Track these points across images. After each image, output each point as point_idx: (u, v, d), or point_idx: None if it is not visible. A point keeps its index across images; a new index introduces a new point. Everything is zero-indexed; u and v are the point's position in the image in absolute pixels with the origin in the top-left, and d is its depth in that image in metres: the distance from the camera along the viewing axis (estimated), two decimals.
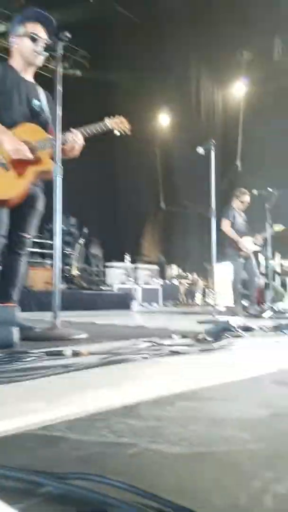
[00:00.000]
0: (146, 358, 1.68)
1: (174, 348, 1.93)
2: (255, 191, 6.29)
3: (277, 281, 7.95)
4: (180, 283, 13.07)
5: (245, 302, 6.53)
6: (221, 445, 0.75)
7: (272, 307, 5.79)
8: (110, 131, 3.77)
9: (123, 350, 1.82)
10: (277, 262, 8.38)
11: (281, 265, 8.65)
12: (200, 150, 4.72)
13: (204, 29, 11.35)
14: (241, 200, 6.48)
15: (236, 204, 6.52)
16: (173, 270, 14.52)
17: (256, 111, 13.45)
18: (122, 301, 7.58)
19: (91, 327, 3.31)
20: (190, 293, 13.62)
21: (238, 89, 13.75)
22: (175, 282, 12.71)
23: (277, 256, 8.36)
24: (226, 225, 6.32)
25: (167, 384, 1.22)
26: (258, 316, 5.40)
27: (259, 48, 12.61)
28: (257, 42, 12.38)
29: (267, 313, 5.39)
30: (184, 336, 2.47)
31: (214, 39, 11.60)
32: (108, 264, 9.73)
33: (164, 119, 14.71)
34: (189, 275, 14.47)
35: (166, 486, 0.60)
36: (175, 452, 0.72)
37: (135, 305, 8.11)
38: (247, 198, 6.46)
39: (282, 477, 0.62)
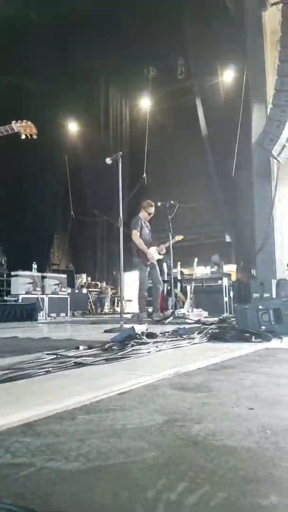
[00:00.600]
0: (48, 372, 1.64)
1: (79, 360, 1.91)
2: (159, 203, 6.56)
3: (178, 288, 8.34)
4: (89, 291, 13.03)
5: (149, 309, 6.74)
6: (118, 457, 0.77)
7: (173, 313, 6.06)
8: (17, 135, 3.71)
9: (25, 365, 1.75)
10: (178, 270, 8.79)
11: (182, 273, 9.08)
12: (108, 161, 4.79)
13: (115, 43, 11.60)
14: (148, 212, 6.69)
15: (143, 215, 6.72)
16: (83, 278, 14.43)
17: (160, 126, 14.07)
18: (27, 312, 7.29)
19: None
20: (100, 302, 13.65)
21: (145, 104, 14.24)
22: (84, 291, 12.63)
23: (178, 264, 8.78)
24: (136, 236, 6.47)
25: (68, 398, 1.20)
26: (161, 321, 5.61)
27: (164, 66, 13.24)
28: (163, 60, 13.00)
29: (169, 319, 5.63)
30: (90, 346, 2.46)
31: (124, 53, 11.92)
32: (13, 273, 9.33)
33: (72, 127, 14.65)
34: (99, 284, 14.49)
35: (62, 505, 0.59)
36: (72, 468, 0.72)
37: (41, 316, 7.87)
38: (152, 209, 6.69)
39: (174, 484, 0.65)
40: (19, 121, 3.82)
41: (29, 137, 3.85)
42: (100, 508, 0.58)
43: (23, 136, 3.81)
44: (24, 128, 3.76)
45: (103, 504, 0.59)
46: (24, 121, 3.84)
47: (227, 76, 10.98)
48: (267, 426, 0.92)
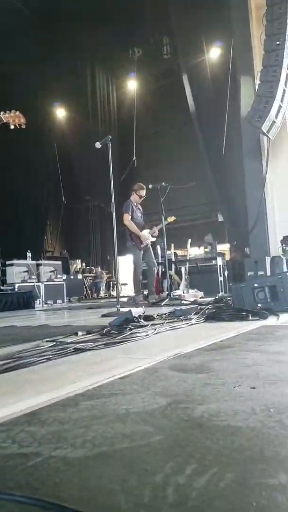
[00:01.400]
0: (49, 359, 1.64)
1: (78, 346, 1.92)
2: (150, 185, 6.52)
3: (173, 270, 8.36)
4: (84, 277, 13.02)
5: (145, 291, 6.76)
6: (124, 442, 0.77)
7: (169, 295, 6.08)
8: (5, 125, 3.67)
9: (25, 353, 1.75)
10: (172, 252, 8.80)
11: (176, 254, 9.10)
12: (98, 145, 4.72)
13: (99, 26, 11.35)
14: (139, 194, 6.64)
15: (134, 198, 6.67)
16: (77, 264, 14.41)
17: (148, 108, 13.89)
18: (24, 300, 7.28)
19: None
20: (95, 287, 13.66)
21: (132, 86, 14.04)
22: (79, 276, 12.61)
23: (172, 246, 8.78)
24: (127, 219, 6.43)
25: (70, 384, 1.20)
26: (157, 304, 5.63)
27: (149, 46, 12.99)
28: (148, 41, 12.75)
29: (165, 301, 5.65)
30: (88, 331, 2.47)
31: (109, 36, 11.68)
32: (8, 262, 9.27)
33: (60, 113, 14.43)
34: (93, 269, 14.49)
35: (71, 493, 0.59)
36: (79, 456, 0.72)
37: (38, 304, 7.87)
38: (144, 192, 6.64)
39: (182, 467, 0.65)
40: (7, 111, 3.77)
41: (18, 127, 3.80)
42: (108, 498, 0.58)
43: (12, 127, 3.75)
44: (12, 118, 3.72)
45: (112, 490, 0.59)
46: (12, 111, 3.79)
47: (213, 53, 10.76)
48: (270, 405, 0.93)
